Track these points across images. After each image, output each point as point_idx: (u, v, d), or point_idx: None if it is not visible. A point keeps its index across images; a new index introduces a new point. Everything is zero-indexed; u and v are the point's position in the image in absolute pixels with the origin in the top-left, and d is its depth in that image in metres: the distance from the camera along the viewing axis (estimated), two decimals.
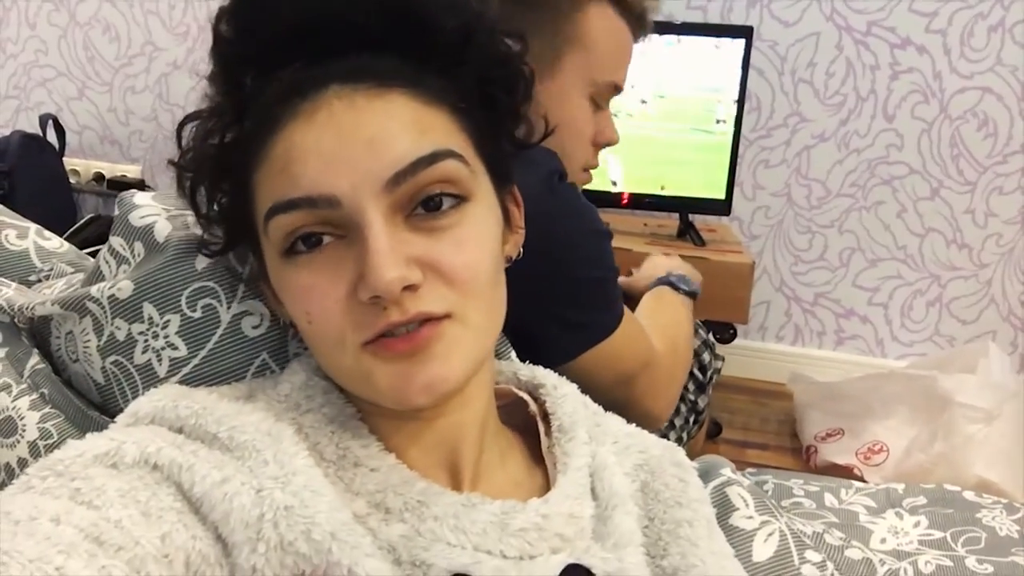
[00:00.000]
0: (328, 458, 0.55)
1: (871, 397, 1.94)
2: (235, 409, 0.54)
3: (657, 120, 2.00)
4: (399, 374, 0.52)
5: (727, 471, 0.79)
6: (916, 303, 2.27)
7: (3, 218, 0.84)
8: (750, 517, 0.76)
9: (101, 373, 0.66)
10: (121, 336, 0.65)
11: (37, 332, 0.73)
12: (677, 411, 1.30)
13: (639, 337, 0.97)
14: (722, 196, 2.00)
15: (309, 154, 0.52)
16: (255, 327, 0.65)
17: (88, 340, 0.66)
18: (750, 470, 1.08)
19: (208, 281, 0.64)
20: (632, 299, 1.14)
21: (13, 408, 0.67)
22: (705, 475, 0.76)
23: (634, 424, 0.70)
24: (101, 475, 0.47)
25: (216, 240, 0.62)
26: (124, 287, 0.64)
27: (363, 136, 0.51)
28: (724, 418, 2.11)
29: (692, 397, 1.34)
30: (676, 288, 1.18)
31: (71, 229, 2.13)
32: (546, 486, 0.60)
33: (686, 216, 2.04)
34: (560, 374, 0.69)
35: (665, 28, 1.95)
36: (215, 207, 0.60)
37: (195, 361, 0.64)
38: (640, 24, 1.03)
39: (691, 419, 1.36)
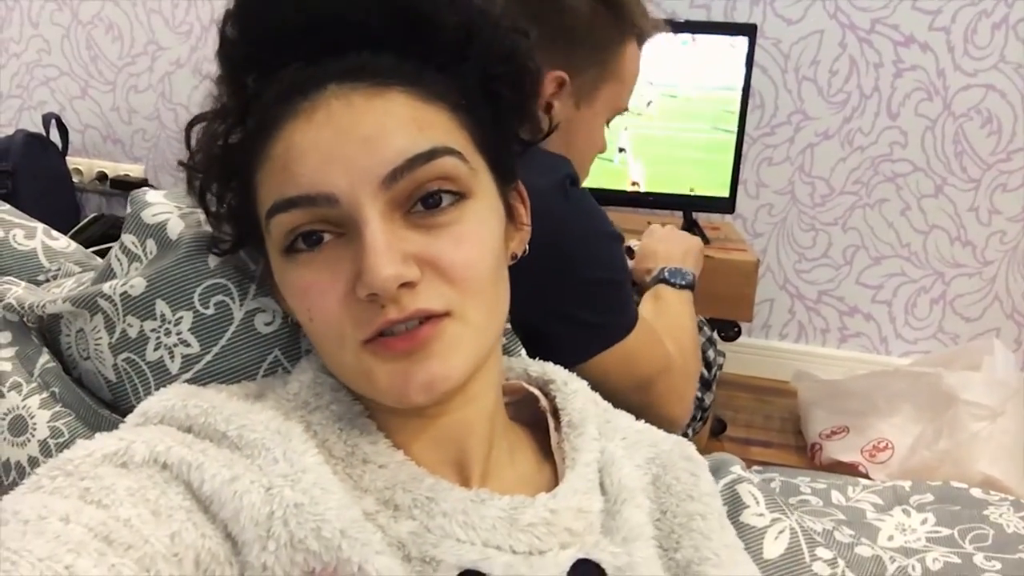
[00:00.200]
0: (337, 455, 0.55)
1: (876, 394, 1.94)
2: (244, 408, 0.55)
3: (664, 119, 2.00)
4: (398, 373, 0.52)
5: (737, 468, 0.79)
6: (920, 300, 2.27)
7: (11, 218, 0.84)
8: (761, 515, 0.76)
9: (112, 370, 0.66)
10: (133, 333, 0.65)
11: (47, 331, 0.73)
12: None
13: (655, 342, 0.98)
14: (726, 194, 2.00)
15: (308, 153, 0.52)
16: (267, 324, 0.65)
17: (99, 338, 0.66)
18: (756, 468, 1.08)
19: (221, 278, 0.64)
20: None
21: (23, 407, 0.67)
22: (715, 472, 0.76)
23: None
24: (110, 474, 0.47)
25: (226, 239, 0.62)
26: (137, 284, 0.64)
27: (360, 134, 0.52)
28: (728, 416, 2.11)
29: (699, 394, 1.35)
30: (672, 284, 1.18)
31: (74, 228, 2.14)
32: (555, 481, 0.60)
33: (690, 214, 2.04)
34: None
35: (669, 26, 1.95)
36: (224, 207, 0.61)
37: (208, 358, 0.64)
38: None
39: (697, 416, 1.36)
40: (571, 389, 0.66)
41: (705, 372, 1.37)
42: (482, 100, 0.58)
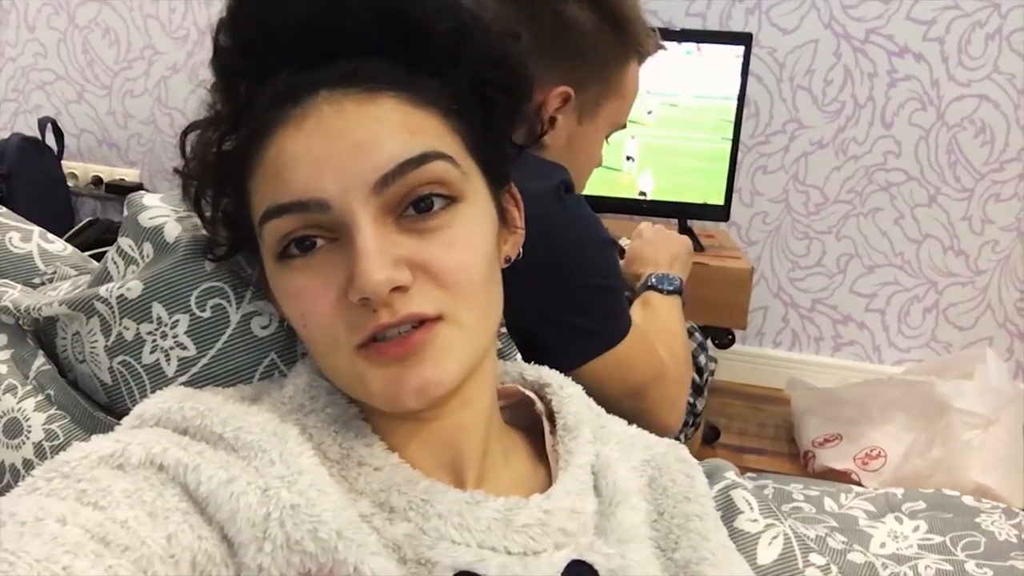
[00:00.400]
0: (332, 458, 0.56)
1: (869, 403, 1.94)
2: (240, 410, 0.55)
3: (667, 128, 2.01)
4: (391, 378, 0.52)
5: (731, 474, 0.79)
6: (913, 309, 2.28)
7: (7, 221, 0.84)
8: (755, 520, 0.76)
9: (108, 373, 0.66)
10: (129, 336, 0.65)
11: (42, 333, 0.73)
12: None
13: (649, 348, 0.98)
14: (720, 202, 2.01)
15: (299, 159, 0.52)
16: (264, 327, 0.65)
17: (95, 340, 0.66)
18: (749, 475, 1.09)
19: (218, 281, 0.65)
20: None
21: (18, 409, 0.67)
22: (709, 478, 0.76)
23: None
24: (107, 476, 0.48)
25: (222, 244, 0.63)
26: (133, 287, 0.64)
27: (352, 140, 0.52)
28: (722, 423, 2.11)
29: (691, 400, 1.35)
30: (660, 290, 1.18)
31: (69, 233, 2.13)
32: (549, 484, 0.60)
33: (684, 222, 2.04)
34: None
35: (664, 35, 1.96)
36: (219, 213, 0.61)
37: (204, 361, 0.64)
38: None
39: (689, 421, 1.37)
40: (567, 393, 0.66)
41: (697, 378, 1.37)
42: (474, 104, 0.59)
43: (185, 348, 0.64)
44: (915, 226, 2.21)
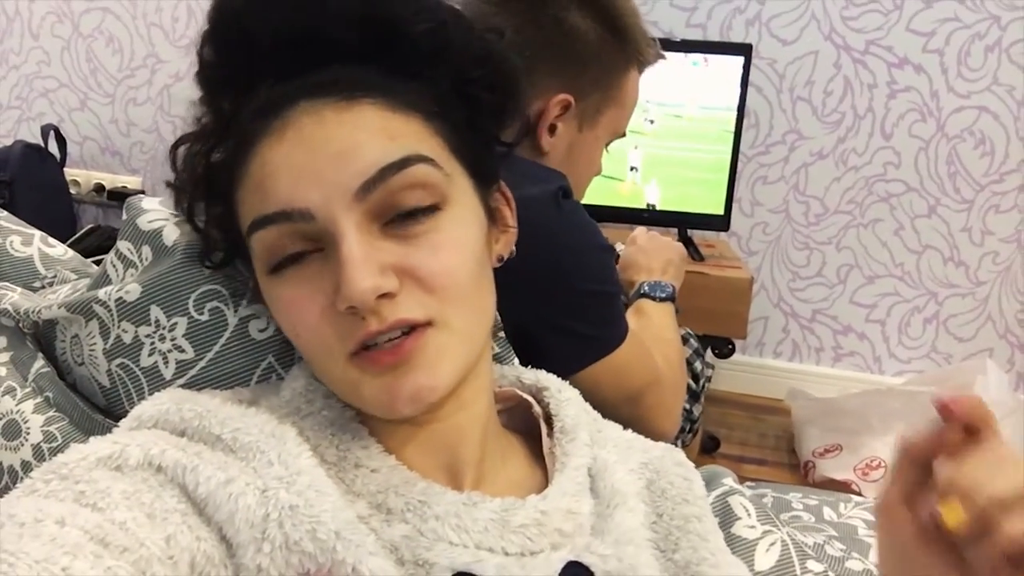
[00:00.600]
0: (329, 460, 0.56)
1: (869, 413, 1.94)
2: (238, 412, 0.55)
3: (669, 138, 2.02)
4: (385, 386, 0.52)
5: (729, 481, 0.79)
6: (913, 320, 2.28)
7: (8, 224, 0.85)
8: (752, 527, 0.76)
9: (107, 376, 0.67)
10: (128, 339, 0.65)
11: (42, 336, 0.73)
12: None
13: (645, 355, 0.98)
14: (721, 212, 2.01)
15: (281, 170, 0.53)
16: (261, 330, 0.65)
17: (94, 343, 0.66)
18: (748, 484, 1.08)
19: (216, 284, 0.65)
20: None
21: (17, 411, 0.67)
22: (707, 484, 0.76)
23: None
24: (105, 478, 0.48)
25: (217, 253, 0.63)
26: (132, 290, 0.64)
27: (332, 149, 0.52)
28: (722, 433, 2.11)
29: (687, 406, 1.35)
30: (653, 298, 1.18)
31: (71, 239, 2.14)
32: (545, 486, 0.60)
33: (685, 231, 2.05)
34: None
35: (665, 45, 1.97)
36: (213, 224, 0.62)
37: (202, 363, 0.64)
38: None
39: (686, 428, 1.37)
40: (564, 397, 0.66)
41: (693, 384, 1.37)
42: (458, 105, 0.59)
43: (183, 351, 0.64)
44: (915, 237, 2.22)
